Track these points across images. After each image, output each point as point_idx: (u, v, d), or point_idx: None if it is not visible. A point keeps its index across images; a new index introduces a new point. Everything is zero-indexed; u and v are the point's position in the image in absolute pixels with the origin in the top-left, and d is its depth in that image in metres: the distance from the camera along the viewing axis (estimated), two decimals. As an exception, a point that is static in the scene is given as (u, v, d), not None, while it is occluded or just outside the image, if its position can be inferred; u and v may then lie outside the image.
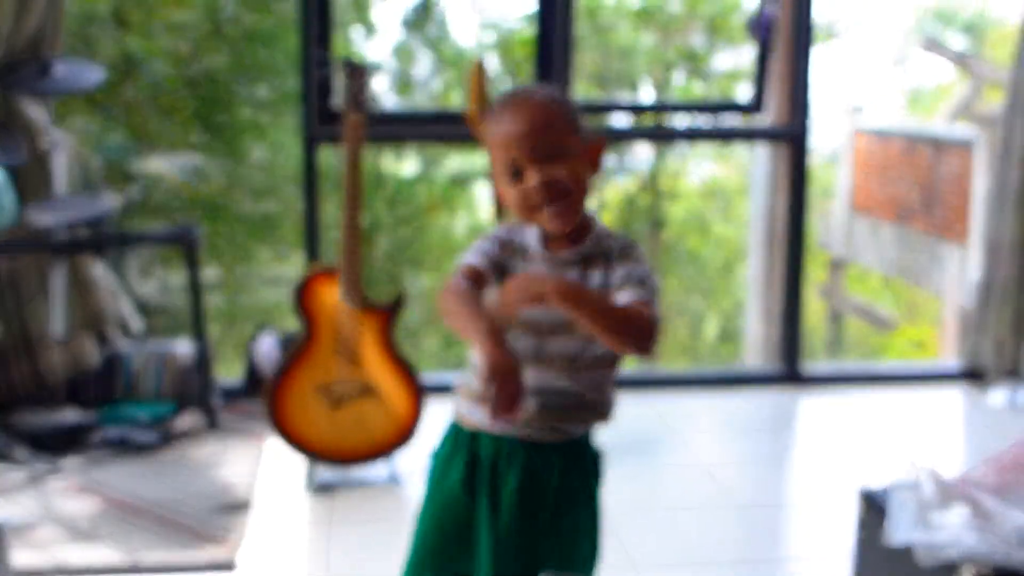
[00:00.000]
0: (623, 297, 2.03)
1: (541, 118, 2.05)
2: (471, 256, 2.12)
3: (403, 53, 12.27)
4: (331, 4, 4.82)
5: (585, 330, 1.99)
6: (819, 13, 5.80)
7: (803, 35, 5.11)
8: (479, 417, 2.12)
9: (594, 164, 2.11)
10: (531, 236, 2.13)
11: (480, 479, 2.14)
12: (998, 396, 5.08)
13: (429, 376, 4.23)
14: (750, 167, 10.71)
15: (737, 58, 12.43)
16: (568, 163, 2.05)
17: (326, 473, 4.11)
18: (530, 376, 2.05)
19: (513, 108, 2.08)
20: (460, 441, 2.18)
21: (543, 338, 2.09)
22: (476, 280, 2.08)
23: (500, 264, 2.11)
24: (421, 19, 12.11)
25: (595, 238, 2.11)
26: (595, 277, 2.08)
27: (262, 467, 4.19)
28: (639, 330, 1.97)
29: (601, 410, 2.16)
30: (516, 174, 2.06)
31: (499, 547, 2.13)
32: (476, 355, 2.08)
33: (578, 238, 2.10)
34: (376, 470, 4.13)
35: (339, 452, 4.01)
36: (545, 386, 2.09)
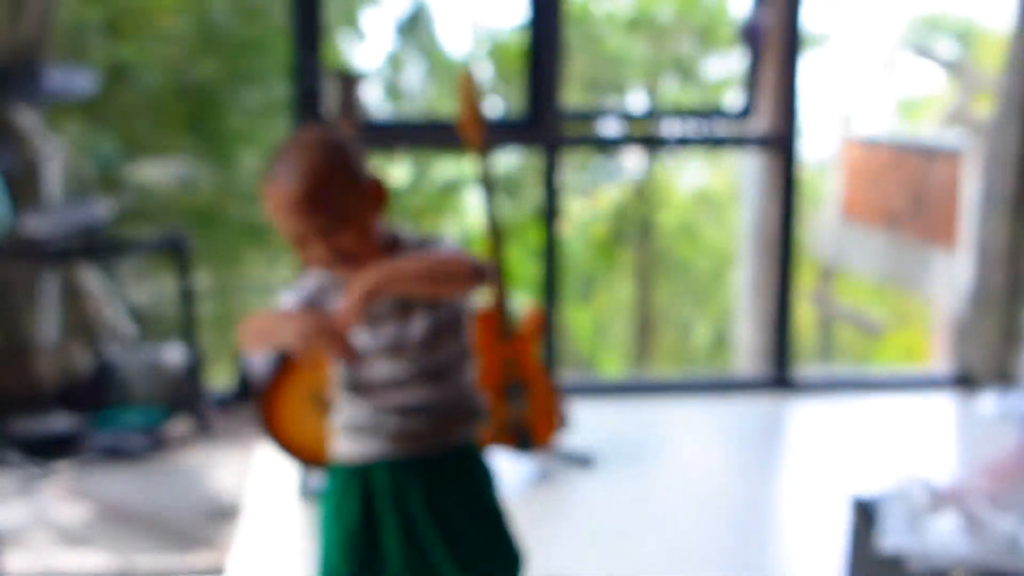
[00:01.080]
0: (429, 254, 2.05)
1: (312, 195, 1.97)
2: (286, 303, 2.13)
3: (394, 61, 12.28)
4: (321, 12, 4.83)
5: (417, 297, 2.02)
6: (809, 21, 5.82)
7: (793, 43, 5.13)
8: (372, 449, 2.11)
9: (379, 205, 2.07)
10: (335, 275, 2.09)
11: (383, 508, 2.12)
12: (988, 403, 5.09)
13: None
14: (740, 174, 10.73)
15: (728, 66, 12.45)
16: (350, 226, 2.01)
17: (318, 479, 4.11)
18: (396, 396, 2.08)
19: (282, 172, 2.00)
20: (350, 479, 2.15)
21: (396, 357, 2.08)
22: None
23: (315, 303, 2.10)
24: (412, 27, 12.12)
25: (408, 251, 2.08)
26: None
27: (253, 473, 4.19)
28: (458, 266, 2.00)
29: (471, 412, 2.15)
30: (303, 240, 2.01)
31: (419, 558, 2.11)
32: (341, 395, 2.14)
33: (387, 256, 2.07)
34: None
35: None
36: (409, 403, 2.09)
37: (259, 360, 4.79)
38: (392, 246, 2.08)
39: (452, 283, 2.00)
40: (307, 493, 4.02)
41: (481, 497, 2.17)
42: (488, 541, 2.17)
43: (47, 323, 4.44)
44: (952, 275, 9.51)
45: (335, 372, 2.15)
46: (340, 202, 1.99)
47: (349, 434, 2.15)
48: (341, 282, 2.06)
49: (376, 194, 2.06)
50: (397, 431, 2.09)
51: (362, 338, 2.06)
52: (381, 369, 2.08)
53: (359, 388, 2.11)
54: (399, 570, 2.11)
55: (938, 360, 9.83)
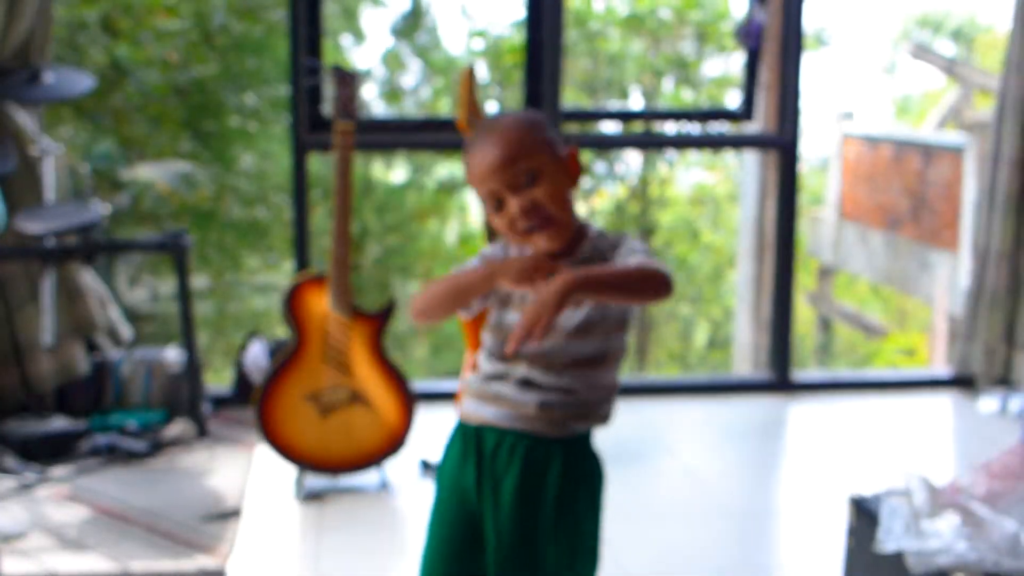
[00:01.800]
0: (631, 261, 2.08)
1: (512, 144, 2.07)
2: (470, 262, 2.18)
3: (392, 61, 12.29)
4: (320, 12, 4.82)
5: (610, 303, 2.07)
6: (808, 21, 5.82)
7: (793, 42, 5.12)
8: (484, 412, 2.14)
9: (572, 174, 2.14)
10: (526, 250, 2.14)
11: (484, 476, 2.14)
12: (988, 403, 5.09)
13: (419, 384, 4.22)
14: (739, 174, 10.73)
15: (726, 65, 12.46)
16: (546, 184, 2.08)
17: (316, 481, 4.11)
18: (526, 372, 2.10)
19: (484, 139, 2.10)
20: (468, 439, 2.18)
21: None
22: None
23: (501, 294, 2.15)
24: (410, 27, 12.13)
25: (590, 244, 2.14)
26: None
27: (252, 475, 4.18)
28: (654, 281, 2.02)
29: (597, 410, 2.15)
30: (498, 205, 2.09)
31: (501, 549, 2.13)
32: (480, 353, 2.17)
33: (573, 248, 2.13)
34: (366, 478, 4.12)
35: (328, 460, 4.00)
36: (540, 382, 2.10)
37: (255, 361, 4.79)
38: (580, 232, 2.14)
39: (646, 294, 2.03)
40: (304, 495, 4.01)
41: (581, 492, 2.15)
42: (574, 538, 2.15)
43: (44, 324, 4.43)
44: (952, 276, 9.51)
45: (486, 332, 2.18)
46: (539, 157, 2.08)
47: (473, 394, 2.19)
48: (524, 249, 2.14)
49: (572, 165, 2.14)
50: (516, 403, 2.12)
51: (515, 313, 2.12)
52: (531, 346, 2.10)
53: (500, 354, 2.14)
54: (489, 540, 2.15)
55: (937, 361, 9.83)
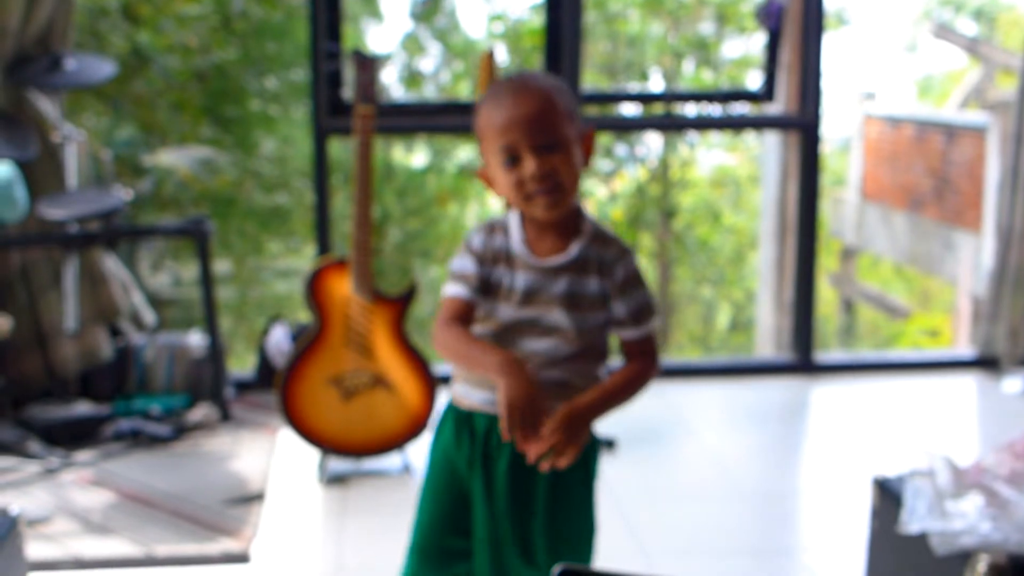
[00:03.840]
0: (629, 335, 2.14)
1: (543, 105, 2.05)
2: (455, 286, 2.14)
3: (412, 45, 12.26)
4: (340, -5, 4.82)
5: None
6: (829, 0, 5.78)
7: (814, 22, 5.09)
8: (474, 398, 2.16)
9: (587, 155, 2.13)
10: (515, 239, 2.13)
11: (475, 457, 2.16)
12: (1012, 384, 5.07)
13: (440, 367, 4.23)
14: (761, 155, 10.69)
15: (747, 46, 12.40)
16: (565, 154, 2.06)
17: (338, 464, 4.12)
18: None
19: (514, 92, 2.07)
20: (460, 421, 2.19)
21: (522, 336, 2.12)
22: (466, 315, 2.12)
23: (485, 280, 2.13)
24: (430, 11, 12.11)
25: (585, 242, 2.12)
26: (591, 284, 2.11)
27: (274, 459, 4.19)
28: (645, 383, 2.14)
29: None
30: (512, 160, 2.05)
31: (493, 528, 2.15)
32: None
33: (565, 238, 2.12)
34: (389, 461, 4.13)
35: (351, 443, 4.01)
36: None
37: (278, 346, 4.80)
38: (574, 224, 2.12)
39: (637, 396, 2.14)
40: (327, 478, 4.02)
41: (573, 475, 2.15)
42: (567, 519, 2.17)
43: (67, 310, 4.45)
44: (975, 256, 9.46)
45: (477, 322, 2.16)
46: (562, 128, 2.06)
47: (463, 379, 2.20)
48: (512, 237, 2.13)
49: (588, 146, 2.14)
50: None
51: (511, 310, 2.12)
52: (516, 335, 2.12)
53: (490, 338, 2.14)
54: (479, 521, 2.17)
55: (961, 341, 9.79)
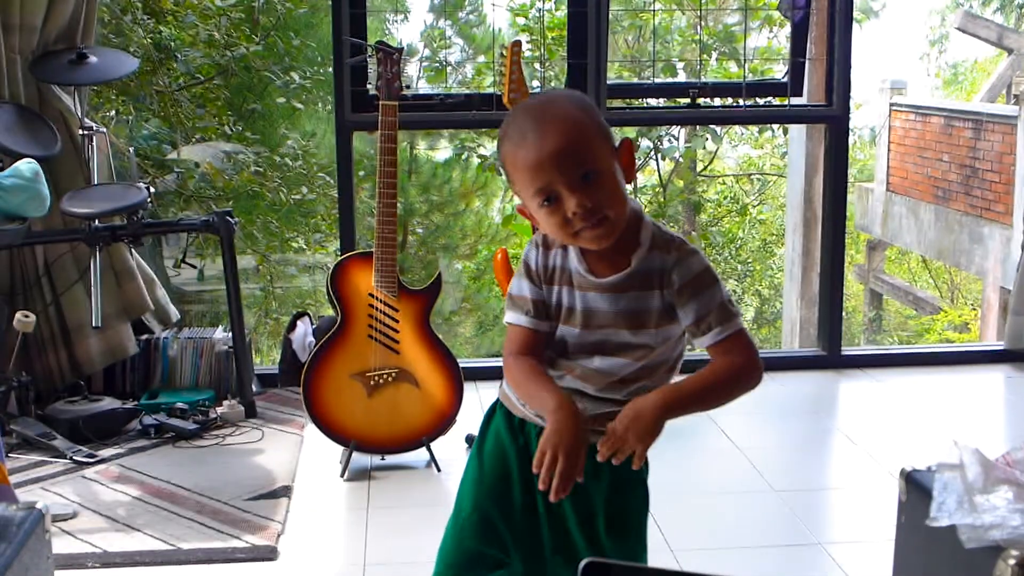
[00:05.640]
0: (705, 341, 1.97)
1: (571, 134, 1.88)
2: (513, 312, 2.05)
3: (435, 38, 12.26)
4: (364, -11, 4.80)
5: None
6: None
7: (841, 14, 5.05)
8: (527, 411, 2.08)
9: (628, 169, 1.97)
10: (572, 256, 2.02)
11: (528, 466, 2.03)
12: (1041, 376, 5.03)
13: (465, 362, 4.22)
14: (787, 149, 10.65)
15: (774, 39, 12.35)
16: (605, 181, 1.90)
17: (364, 459, 4.11)
18: (576, 383, 2.02)
19: (538, 125, 1.89)
20: (513, 427, 2.12)
21: (590, 357, 2.02)
22: (533, 344, 2.03)
23: (543, 303, 2.03)
24: (453, 4, 12.10)
25: (643, 253, 1.98)
26: (654, 299, 1.98)
27: (300, 454, 4.19)
28: (741, 380, 1.96)
29: None
30: (550, 200, 1.90)
31: (560, 540, 2.09)
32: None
33: (624, 253, 1.98)
34: (414, 455, 4.12)
35: (376, 438, 4.01)
36: (591, 394, 2.03)
37: (302, 340, 4.79)
38: (633, 221, 1.98)
39: (736, 396, 1.97)
40: (352, 473, 4.02)
41: (625, 501, 2.09)
42: (618, 538, 2.10)
43: (92, 306, 4.45)
44: (1004, 248, 9.40)
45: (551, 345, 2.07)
46: (597, 155, 1.89)
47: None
48: (570, 254, 2.01)
49: (627, 153, 1.97)
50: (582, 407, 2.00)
51: (575, 331, 2.01)
52: (583, 355, 2.02)
53: (556, 355, 2.05)
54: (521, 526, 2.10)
55: (989, 334, 9.73)
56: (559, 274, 2.03)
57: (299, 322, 4.91)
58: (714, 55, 11.61)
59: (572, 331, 2.02)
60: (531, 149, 1.88)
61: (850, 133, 5.23)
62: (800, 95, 5.32)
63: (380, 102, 3.88)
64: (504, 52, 4.03)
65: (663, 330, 1.99)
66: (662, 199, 12.18)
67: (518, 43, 3.87)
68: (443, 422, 4.00)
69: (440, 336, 4.00)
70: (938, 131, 10.85)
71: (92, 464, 4.05)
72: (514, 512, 2.11)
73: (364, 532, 3.57)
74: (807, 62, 5.30)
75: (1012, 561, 2.40)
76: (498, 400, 2.19)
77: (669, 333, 2.01)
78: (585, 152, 1.87)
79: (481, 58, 12.31)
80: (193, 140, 10.10)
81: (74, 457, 4.07)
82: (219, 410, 4.54)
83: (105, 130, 4.67)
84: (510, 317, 2.06)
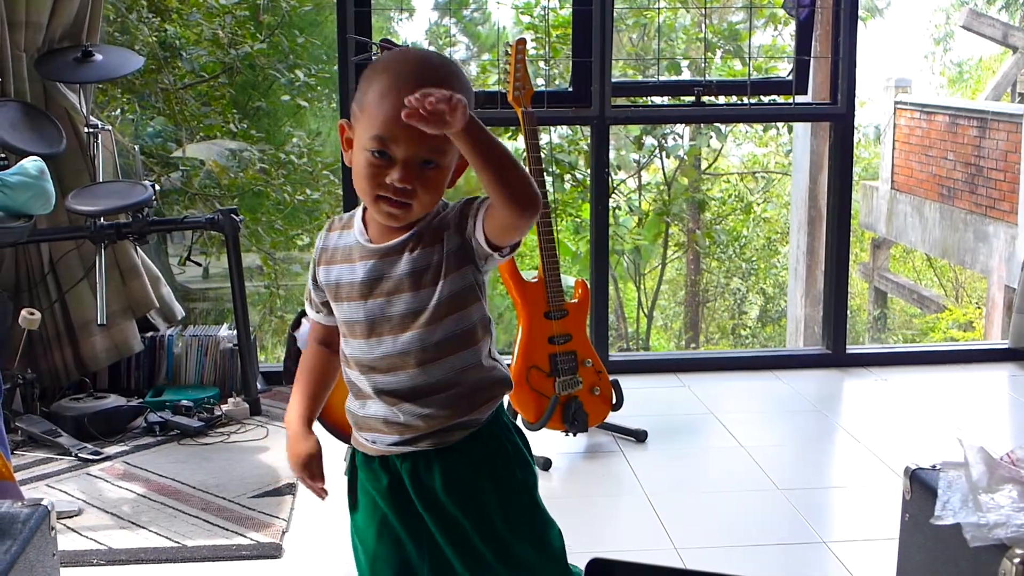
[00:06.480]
0: (481, 214, 1.86)
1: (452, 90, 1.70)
2: (310, 305, 2.10)
3: (440, 36, 12.26)
4: (368, -13, 4.80)
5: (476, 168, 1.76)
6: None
7: (846, 12, 5.04)
8: (379, 444, 2.03)
9: (455, 177, 1.92)
10: (356, 231, 1.97)
11: (406, 499, 2.03)
12: (1046, 375, 5.03)
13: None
14: (791, 147, 10.64)
15: (779, 37, 12.34)
16: (436, 177, 1.85)
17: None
18: (382, 381, 1.97)
19: (420, 81, 1.75)
20: (373, 466, 2.09)
21: (379, 336, 1.94)
22: (327, 336, 2.10)
23: (331, 286, 1.98)
24: (458, 2, 12.09)
25: (428, 217, 1.91)
26: (435, 253, 1.89)
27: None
28: (524, 179, 1.76)
29: (486, 385, 1.98)
30: (382, 154, 1.83)
31: (466, 555, 2.01)
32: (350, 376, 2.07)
33: (409, 228, 1.91)
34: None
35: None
36: (404, 387, 1.95)
37: (307, 338, 4.79)
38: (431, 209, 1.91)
39: (517, 186, 1.74)
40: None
41: (508, 479, 2.00)
42: (521, 526, 2.01)
43: (97, 303, 4.45)
44: (1009, 247, 9.39)
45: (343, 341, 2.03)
46: (449, 150, 1.83)
47: (359, 424, 2.09)
48: (355, 231, 1.96)
49: (460, 172, 1.92)
50: (405, 418, 1.96)
51: (370, 309, 1.93)
52: (384, 346, 1.94)
53: (363, 370, 2.00)
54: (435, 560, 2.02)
55: (994, 333, 9.73)
56: (341, 256, 1.97)
57: (304, 320, 4.91)
58: (719, 53, 11.60)
59: (351, 308, 1.95)
60: (394, 100, 1.77)
61: (855, 131, 5.22)
62: (805, 93, 5.31)
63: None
64: (509, 50, 4.03)
65: (449, 280, 1.89)
66: (666, 197, 12.15)
67: (523, 41, 3.86)
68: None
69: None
70: (943, 129, 10.84)
71: (97, 461, 4.06)
72: (411, 560, 2.06)
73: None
74: (812, 60, 5.30)
75: (1017, 560, 2.40)
76: (353, 451, 2.14)
77: (461, 282, 1.91)
78: (443, 143, 1.78)
79: (486, 56, 12.31)
80: (198, 138, 10.10)
81: (79, 454, 4.08)
82: (224, 407, 4.54)
83: (110, 128, 4.67)
84: (310, 310, 2.11)
